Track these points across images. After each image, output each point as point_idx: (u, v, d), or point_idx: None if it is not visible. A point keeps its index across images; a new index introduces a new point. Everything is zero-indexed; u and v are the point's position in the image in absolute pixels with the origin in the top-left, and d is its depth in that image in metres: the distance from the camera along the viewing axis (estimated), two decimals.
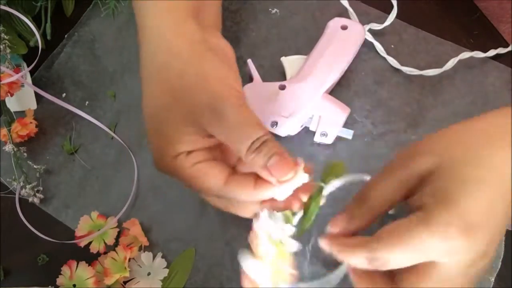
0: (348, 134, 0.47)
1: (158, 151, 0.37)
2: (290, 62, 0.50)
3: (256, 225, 0.35)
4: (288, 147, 0.49)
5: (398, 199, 0.34)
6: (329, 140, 0.47)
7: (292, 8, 0.55)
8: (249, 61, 0.49)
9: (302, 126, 0.47)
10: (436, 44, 0.52)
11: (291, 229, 0.35)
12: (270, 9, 0.55)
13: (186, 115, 0.35)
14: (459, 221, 0.29)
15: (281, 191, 0.34)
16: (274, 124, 0.46)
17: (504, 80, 0.50)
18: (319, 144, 0.48)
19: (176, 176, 0.37)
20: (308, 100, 0.46)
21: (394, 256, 0.31)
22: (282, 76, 0.51)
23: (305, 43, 0.53)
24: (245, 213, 0.38)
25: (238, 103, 0.35)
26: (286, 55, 0.51)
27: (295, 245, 0.35)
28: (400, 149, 0.48)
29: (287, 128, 0.46)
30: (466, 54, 0.50)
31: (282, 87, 0.47)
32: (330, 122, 0.46)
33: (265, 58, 0.53)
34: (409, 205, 0.34)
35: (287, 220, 0.35)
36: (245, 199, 0.36)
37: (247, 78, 0.50)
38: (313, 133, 0.47)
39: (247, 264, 0.34)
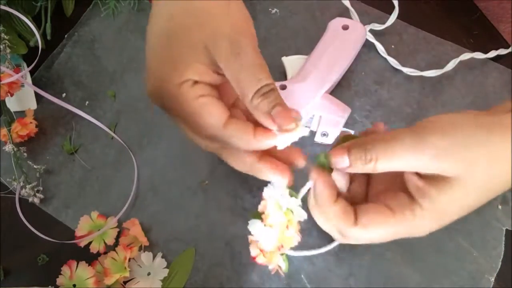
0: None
1: (159, 77, 0.34)
2: (290, 62, 0.50)
3: (266, 193, 0.35)
4: (320, 146, 0.49)
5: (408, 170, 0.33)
6: (330, 140, 0.47)
7: (292, 8, 0.55)
8: None
9: (304, 127, 0.47)
10: (436, 44, 0.52)
11: (298, 201, 0.35)
12: (270, 9, 0.55)
13: (204, 40, 0.33)
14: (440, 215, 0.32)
15: (281, 140, 0.34)
16: None
17: (504, 81, 0.50)
18: (319, 144, 0.48)
19: (174, 107, 0.34)
20: (309, 100, 0.46)
21: (368, 240, 0.34)
22: (282, 76, 0.51)
23: (305, 43, 0.53)
24: (239, 164, 0.37)
25: (255, 46, 0.34)
26: (286, 55, 0.51)
27: (303, 215, 0.34)
28: None
29: None
30: (467, 55, 0.50)
31: (283, 87, 0.47)
32: (330, 122, 0.46)
33: (265, 58, 0.52)
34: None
35: (292, 195, 0.35)
36: (243, 147, 0.34)
37: None
38: (314, 133, 0.47)
39: (256, 230, 0.35)
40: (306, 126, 0.47)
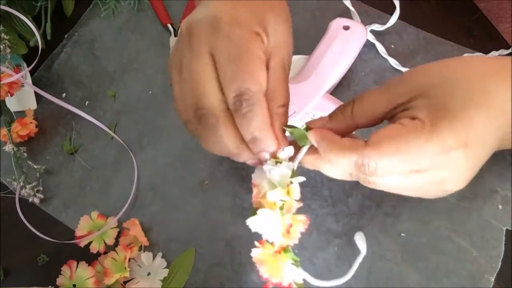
0: None
1: (238, 17, 0.33)
2: (292, 62, 0.50)
3: (255, 178, 0.33)
4: None
5: (382, 114, 0.33)
6: None
7: (292, 8, 0.54)
8: None
9: (303, 126, 0.47)
10: (436, 44, 0.52)
11: (288, 165, 0.33)
12: None
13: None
14: (460, 133, 0.29)
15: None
16: None
17: None
18: None
19: (229, 48, 0.32)
20: (309, 100, 0.46)
21: (385, 163, 0.30)
22: None
23: (305, 43, 0.53)
24: (217, 145, 0.34)
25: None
26: None
27: (300, 177, 0.32)
28: None
29: None
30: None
31: None
32: None
33: None
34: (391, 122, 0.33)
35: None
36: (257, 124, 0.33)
37: None
38: None
39: (256, 223, 0.32)
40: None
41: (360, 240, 0.37)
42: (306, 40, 0.53)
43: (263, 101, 0.32)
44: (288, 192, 0.32)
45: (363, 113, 0.33)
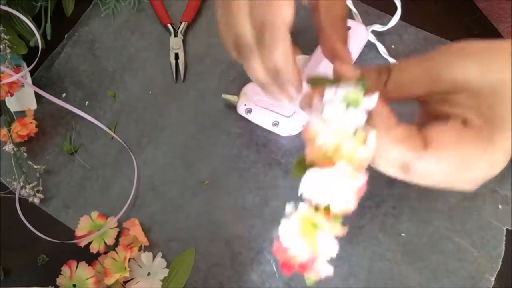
0: None
1: None
2: None
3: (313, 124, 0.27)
4: (289, 146, 0.49)
5: (417, 95, 0.31)
6: None
7: None
8: None
9: (303, 125, 0.47)
10: (436, 44, 0.52)
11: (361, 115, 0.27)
12: None
13: None
14: (508, 149, 0.27)
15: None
16: (276, 123, 0.46)
17: None
18: None
19: None
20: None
21: (438, 169, 0.28)
22: None
23: (305, 43, 0.53)
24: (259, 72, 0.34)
25: None
26: None
27: (372, 99, 0.27)
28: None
29: (289, 128, 0.46)
30: None
31: None
32: None
33: None
34: (423, 105, 0.31)
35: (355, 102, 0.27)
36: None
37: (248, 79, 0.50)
38: None
39: (311, 183, 0.26)
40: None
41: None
42: (306, 40, 0.53)
43: (286, 34, 0.32)
44: (363, 139, 0.26)
45: (398, 89, 0.30)
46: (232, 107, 0.50)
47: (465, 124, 0.28)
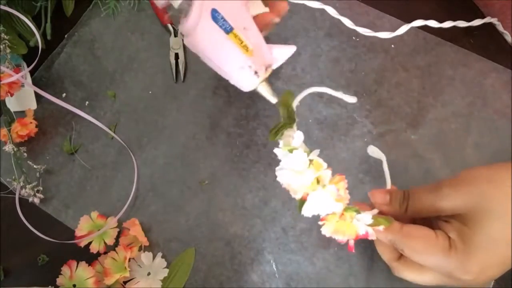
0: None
1: None
2: None
3: (281, 178, 0.36)
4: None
5: (431, 214, 0.38)
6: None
7: (292, 8, 0.55)
8: None
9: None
10: (436, 44, 0.52)
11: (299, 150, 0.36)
12: None
13: None
14: (476, 268, 0.35)
15: None
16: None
17: (504, 81, 0.50)
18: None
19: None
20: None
21: (408, 253, 0.37)
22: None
23: (306, 43, 0.53)
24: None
25: None
26: None
27: (315, 150, 0.37)
28: (399, 148, 0.49)
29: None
30: (418, 22, 0.51)
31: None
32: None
33: None
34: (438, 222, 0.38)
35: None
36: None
37: None
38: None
39: (311, 208, 0.36)
40: None
41: (374, 152, 0.43)
42: (306, 40, 0.53)
43: None
44: (315, 167, 0.35)
45: (415, 211, 0.39)
46: (228, 104, 0.49)
47: (445, 236, 0.36)
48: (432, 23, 0.50)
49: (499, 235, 0.34)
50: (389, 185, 0.42)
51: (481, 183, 0.35)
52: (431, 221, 0.40)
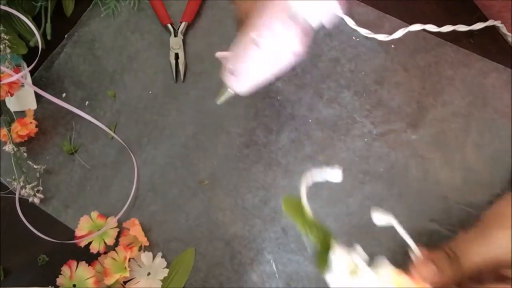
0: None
1: None
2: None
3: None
4: (289, 146, 0.49)
5: (488, 266, 0.35)
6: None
7: None
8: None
9: None
10: (436, 44, 0.52)
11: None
12: None
13: None
14: None
15: None
16: None
17: (504, 81, 0.50)
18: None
19: None
20: None
21: None
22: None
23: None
24: None
25: None
26: None
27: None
28: (399, 148, 0.49)
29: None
30: (416, 26, 0.50)
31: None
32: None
33: None
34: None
35: None
36: None
37: None
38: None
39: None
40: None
41: (382, 220, 0.38)
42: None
43: None
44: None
45: (470, 269, 0.34)
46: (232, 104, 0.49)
47: None
48: (431, 28, 0.50)
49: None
50: (417, 251, 0.36)
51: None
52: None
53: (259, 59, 0.37)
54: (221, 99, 0.41)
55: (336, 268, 0.34)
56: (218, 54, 0.41)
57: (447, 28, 0.50)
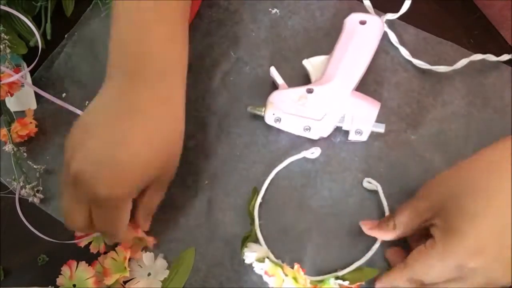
0: (380, 128, 0.47)
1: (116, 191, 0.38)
2: (313, 64, 0.49)
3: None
4: (289, 146, 0.49)
5: (416, 227, 0.40)
6: (364, 137, 0.46)
7: (292, 8, 0.55)
8: (272, 68, 0.49)
9: (334, 126, 0.47)
10: (436, 44, 0.52)
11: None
12: (270, 9, 0.55)
13: None
14: (471, 247, 0.36)
15: None
16: (307, 128, 0.46)
17: (504, 80, 0.50)
18: (353, 143, 0.48)
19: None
20: (338, 100, 0.46)
21: (420, 279, 0.39)
22: (306, 79, 0.50)
23: (305, 43, 0.53)
24: None
25: None
26: (286, 56, 0.51)
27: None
28: (399, 148, 0.49)
29: (321, 131, 0.46)
30: (478, 56, 0.49)
31: (310, 91, 0.46)
32: (363, 119, 0.46)
33: (264, 58, 0.53)
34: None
35: None
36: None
37: (271, 85, 0.50)
38: (347, 132, 0.47)
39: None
40: (337, 126, 0.47)
41: (369, 185, 0.48)
42: (306, 40, 0.53)
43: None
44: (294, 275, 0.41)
45: (401, 226, 0.41)
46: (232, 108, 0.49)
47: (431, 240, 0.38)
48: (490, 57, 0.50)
49: (473, 210, 0.36)
50: (387, 212, 0.45)
51: (447, 178, 0.40)
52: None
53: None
54: (252, 111, 0.48)
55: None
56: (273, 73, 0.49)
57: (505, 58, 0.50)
